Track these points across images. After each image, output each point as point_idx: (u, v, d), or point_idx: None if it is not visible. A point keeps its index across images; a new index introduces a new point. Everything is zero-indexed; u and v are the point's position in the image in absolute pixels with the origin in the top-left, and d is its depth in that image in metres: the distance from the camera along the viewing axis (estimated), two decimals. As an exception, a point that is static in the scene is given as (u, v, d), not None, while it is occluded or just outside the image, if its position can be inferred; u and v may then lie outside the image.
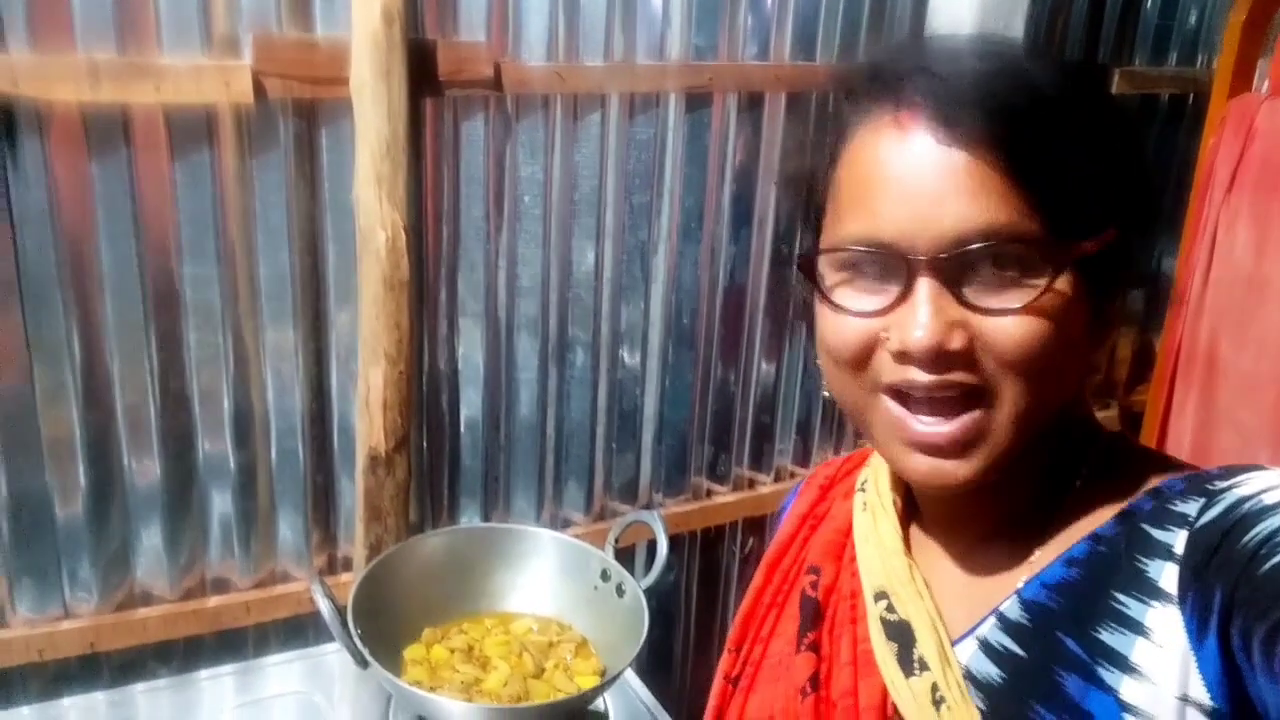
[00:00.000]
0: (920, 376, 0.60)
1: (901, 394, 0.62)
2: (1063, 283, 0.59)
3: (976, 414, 0.60)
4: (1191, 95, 2.27)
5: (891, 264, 0.60)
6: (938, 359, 0.59)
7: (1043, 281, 0.58)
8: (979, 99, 0.58)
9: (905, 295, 0.60)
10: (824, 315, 0.65)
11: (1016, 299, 0.59)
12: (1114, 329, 0.65)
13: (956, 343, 0.59)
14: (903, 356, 0.60)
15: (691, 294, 1.84)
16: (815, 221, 0.68)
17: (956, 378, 0.60)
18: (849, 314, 0.63)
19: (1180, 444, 1.98)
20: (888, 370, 0.62)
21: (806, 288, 0.67)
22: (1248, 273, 1.85)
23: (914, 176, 0.59)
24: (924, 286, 0.59)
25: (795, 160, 0.71)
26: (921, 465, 0.62)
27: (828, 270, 0.65)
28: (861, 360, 0.63)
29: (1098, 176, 0.60)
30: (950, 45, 0.65)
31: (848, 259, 0.63)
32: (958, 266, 0.59)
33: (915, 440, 0.62)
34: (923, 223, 0.59)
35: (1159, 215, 0.67)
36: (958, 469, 0.61)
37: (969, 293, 0.59)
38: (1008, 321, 0.59)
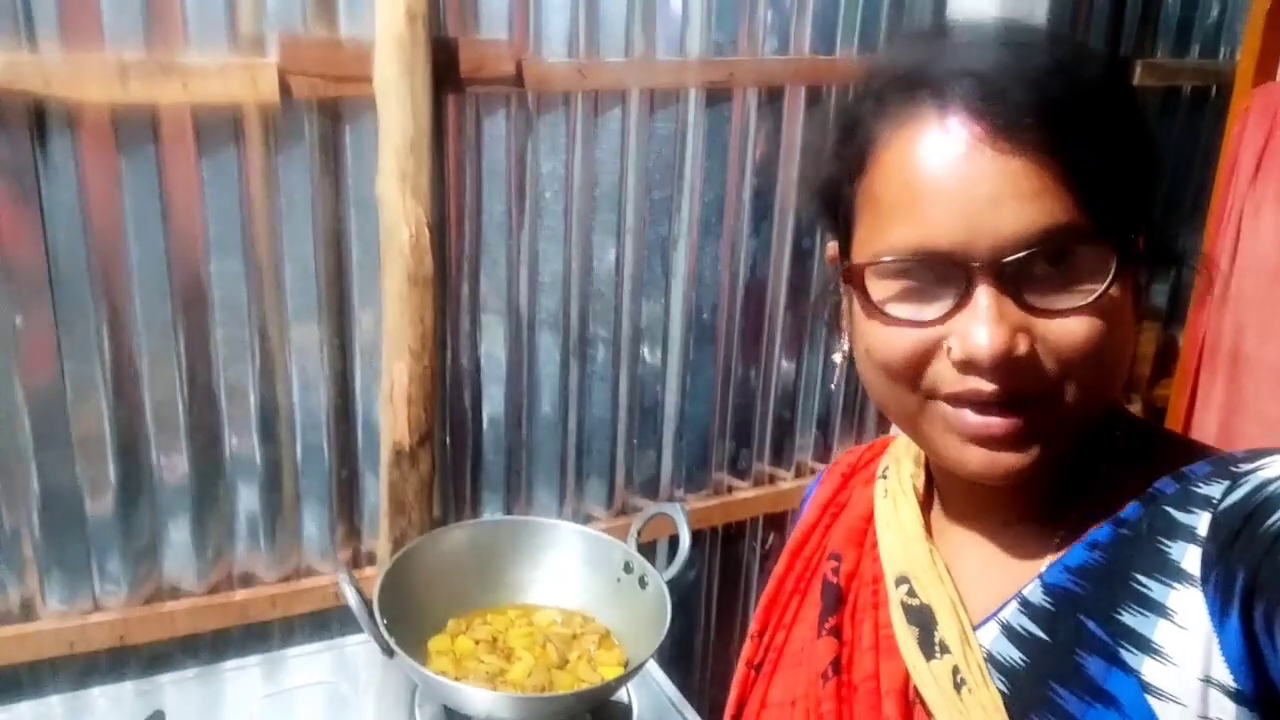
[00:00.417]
0: (985, 386, 0.59)
1: (962, 401, 0.61)
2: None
3: (1036, 413, 0.60)
4: (1214, 87, 2.25)
5: (947, 272, 0.59)
6: (1005, 366, 0.58)
7: (1103, 279, 0.58)
8: (1031, 99, 0.57)
9: (963, 303, 0.59)
10: (873, 327, 0.63)
11: (1079, 297, 0.58)
12: (1144, 311, 0.65)
13: (1022, 348, 0.58)
14: (967, 366, 0.59)
15: (712, 290, 1.84)
16: (846, 231, 0.66)
17: (1018, 385, 0.59)
18: (904, 325, 0.61)
19: (1205, 437, 1.97)
20: (948, 380, 0.60)
21: (851, 297, 0.66)
22: (1274, 263, 1.83)
23: (967, 181, 0.57)
24: (984, 293, 0.58)
25: (816, 169, 0.69)
26: (977, 456, 0.61)
27: (873, 281, 0.62)
28: (917, 370, 0.61)
29: (1135, 167, 0.60)
30: (980, 38, 0.63)
31: (898, 269, 0.61)
32: (1017, 270, 0.58)
33: (973, 433, 0.60)
34: (980, 229, 0.57)
35: (1178, 199, 0.67)
36: (1013, 460, 0.60)
37: (1029, 296, 0.58)
38: (1071, 321, 0.58)
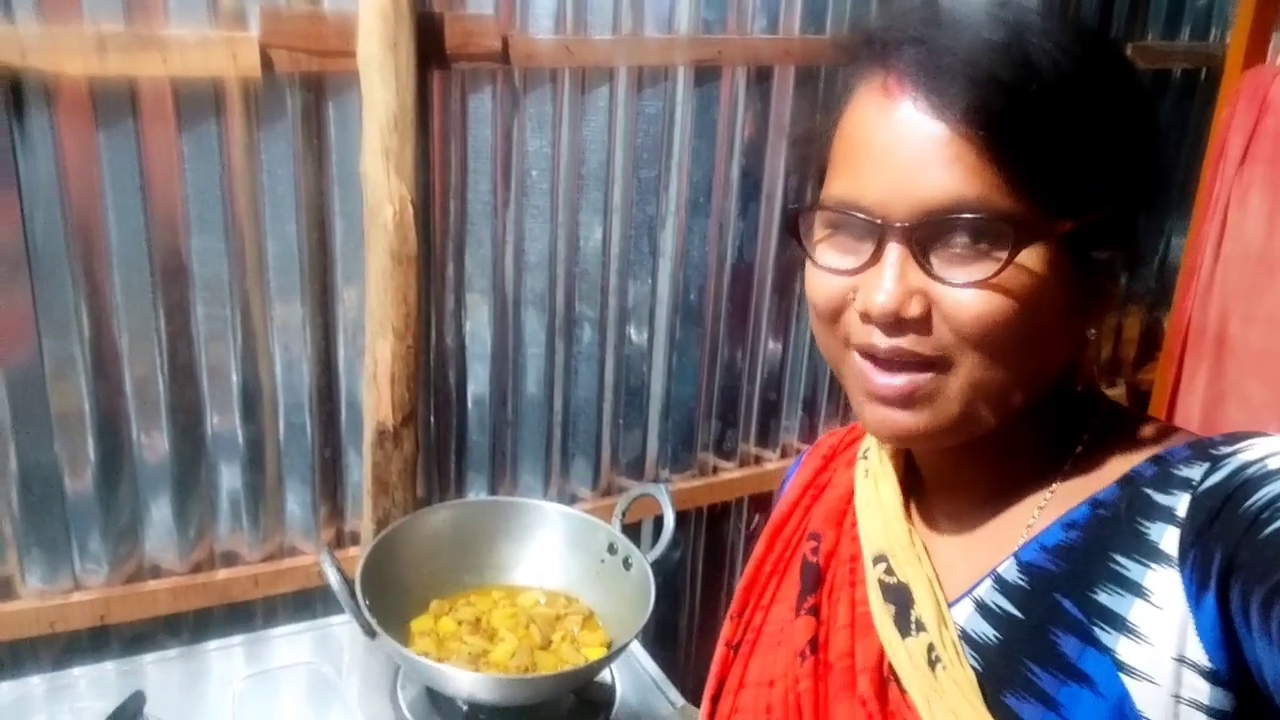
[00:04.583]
0: (880, 341, 0.62)
1: (866, 354, 0.64)
2: (1032, 260, 0.59)
3: (928, 375, 0.62)
4: (1204, 70, 2.25)
5: (867, 227, 0.62)
6: (895, 324, 0.61)
7: (1004, 256, 0.58)
8: (962, 71, 0.58)
9: (875, 259, 0.61)
10: (808, 269, 0.67)
11: (979, 272, 0.59)
12: (1108, 305, 0.65)
13: (914, 310, 0.60)
14: (865, 318, 0.62)
15: (699, 270, 1.83)
16: (818, 179, 0.69)
17: (907, 344, 0.61)
18: (825, 271, 0.65)
19: (1189, 420, 1.98)
20: (855, 331, 0.64)
21: (795, 242, 0.69)
22: (1259, 247, 1.84)
23: (894, 144, 0.60)
24: (892, 252, 0.61)
25: (806, 120, 0.72)
26: (874, 414, 0.64)
27: (818, 226, 0.66)
28: (835, 315, 0.65)
29: (1094, 155, 0.60)
30: (951, 14, 0.64)
31: (832, 218, 0.65)
32: (927, 235, 0.60)
33: (872, 391, 0.63)
34: (896, 190, 0.60)
35: (1165, 193, 0.67)
36: (903, 419, 0.63)
37: (936, 263, 0.60)
38: (967, 294, 0.59)
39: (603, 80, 1.65)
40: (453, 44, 1.50)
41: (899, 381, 0.62)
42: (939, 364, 0.61)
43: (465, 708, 1.32)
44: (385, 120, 1.42)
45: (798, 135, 0.71)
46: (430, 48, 1.47)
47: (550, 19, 1.57)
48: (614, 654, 1.30)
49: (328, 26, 1.41)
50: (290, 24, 1.39)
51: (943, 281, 0.60)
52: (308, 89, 1.44)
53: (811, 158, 0.69)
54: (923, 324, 0.60)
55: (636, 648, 1.50)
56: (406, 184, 1.45)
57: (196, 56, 1.34)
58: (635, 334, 1.83)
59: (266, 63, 1.38)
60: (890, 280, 0.60)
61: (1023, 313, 0.59)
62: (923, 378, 0.62)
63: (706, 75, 1.73)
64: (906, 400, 0.62)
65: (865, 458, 0.78)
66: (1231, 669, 0.55)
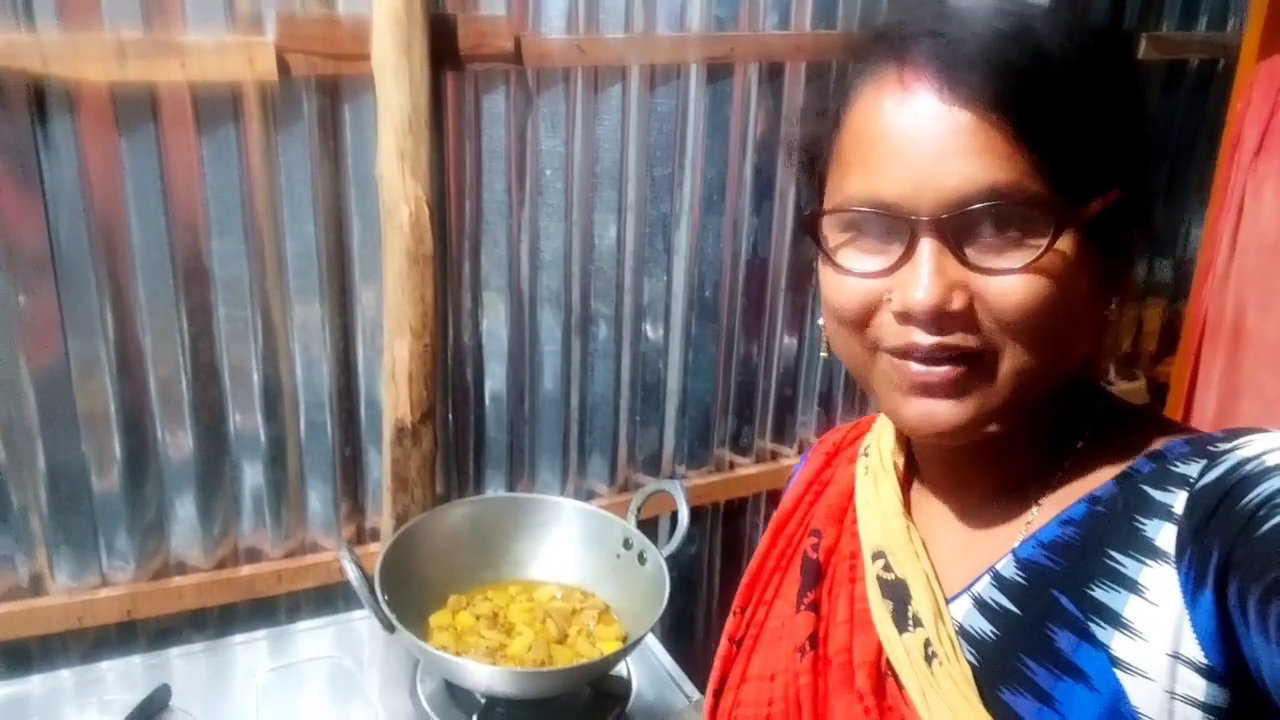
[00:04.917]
0: (922, 339, 0.60)
1: (903, 354, 0.62)
2: (1065, 243, 0.59)
3: (976, 369, 0.61)
4: (1221, 60, 2.23)
5: (894, 224, 0.61)
6: (938, 320, 0.59)
7: (1044, 242, 0.58)
8: (984, 59, 0.58)
9: (907, 256, 0.60)
10: (828, 275, 0.65)
11: (1017, 259, 0.59)
12: (1125, 290, 0.65)
13: (957, 303, 0.59)
14: (904, 318, 0.61)
15: (714, 266, 1.84)
16: (820, 183, 0.68)
17: (955, 340, 0.60)
18: (852, 275, 0.63)
19: (1204, 412, 1.97)
20: (890, 334, 0.62)
21: (812, 248, 0.68)
22: (1275, 238, 1.83)
23: (917, 136, 0.59)
24: (925, 247, 0.59)
25: (803, 123, 0.71)
26: (916, 408, 0.62)
27: (832, 230, 0.65)
28: (864, 320, 0.63)
29: (1106, 139, 0.60)
30: (962, 7, 0.64)
31: (851, 219, 0.63)
32: (959, 227, 0.59)
33: (912, 383, 0.62)
34: (924, 183, 0.59)
35: (1183, 173, 0.67)
36: (947, 411, 0.61)
37: (971, 253, 0.59)
38: (1008, 282, 0.59)
39: (615, 79, 1.66)
40: (466, 45, 1.51)
41: (944, 369, 0.61)
42: (985, 356, 0.60)
43: (483, 700, 1.34)
44: (400, 122, 1.44)
45: (796, 139, 0.69)
46: (443, 49, 1.48)
47: (562, 19, 1.58)
48: (629, 648, 1.32)
49: (342, 30, 1.43)
50: (305, 28, 1.41)
51: (983, 271, 0.59)
52: (323, 92, 1.46)
53: (813, 161, 0.69)
54: (964, 318, 0.60)
55: (652, 641, 1.52)
56: (422, 185, 1.47)
57: (214, 62, 1.36)
58: (651, 331, 1.84)
59: (283, 67, 1.40)
60: (928, 275, 0.59)
61: (1061, 297, 0.59)
62: (966, 369, 0.61)
63: (719, 72, 1.73)
64: (951, 388, 0.61)
65: (866, 454, 0.78)
66: (1227, 666, 0.55)
